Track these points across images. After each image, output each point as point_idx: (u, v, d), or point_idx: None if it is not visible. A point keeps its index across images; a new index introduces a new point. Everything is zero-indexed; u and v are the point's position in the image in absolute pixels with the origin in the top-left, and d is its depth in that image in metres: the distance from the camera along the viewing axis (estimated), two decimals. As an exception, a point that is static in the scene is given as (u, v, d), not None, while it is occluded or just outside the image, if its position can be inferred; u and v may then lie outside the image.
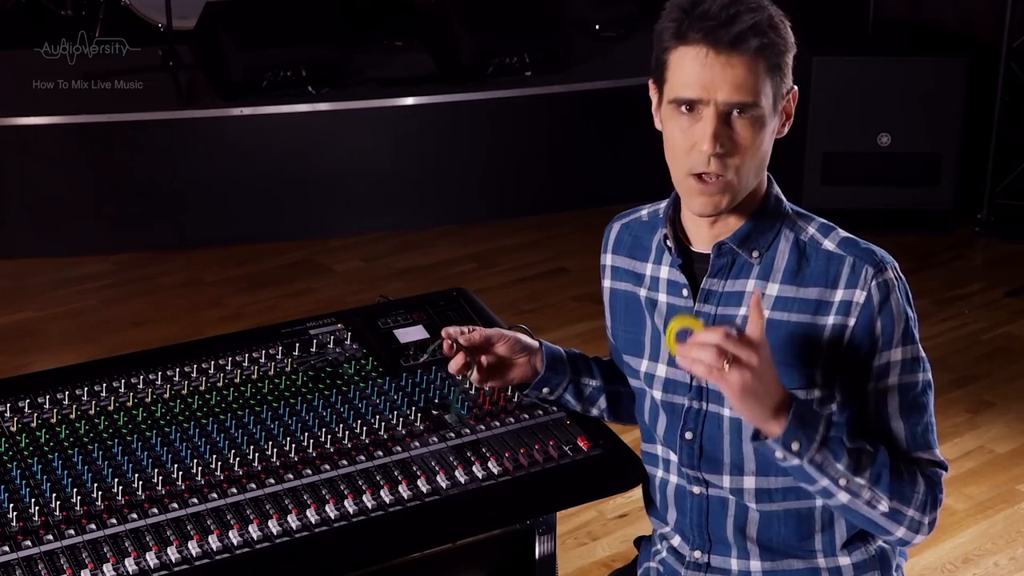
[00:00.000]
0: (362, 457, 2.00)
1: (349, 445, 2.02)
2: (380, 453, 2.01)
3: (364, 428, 2.06)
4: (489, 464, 2.00)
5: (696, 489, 1.94)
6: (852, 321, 1.78)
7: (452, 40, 5.56)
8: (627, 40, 6.41)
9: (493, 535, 2.08)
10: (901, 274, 1.83)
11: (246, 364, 2.22)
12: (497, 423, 2.10)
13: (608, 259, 2.05)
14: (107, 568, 1.76)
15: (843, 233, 1.85)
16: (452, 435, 2.06)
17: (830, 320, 1.79)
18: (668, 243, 1.91)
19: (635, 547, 2.18)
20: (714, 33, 1.70)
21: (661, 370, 1.94)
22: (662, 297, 1.93)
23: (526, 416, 2.11)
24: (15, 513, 1.84)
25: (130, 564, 1.77)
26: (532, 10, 5.80)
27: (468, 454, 2.02)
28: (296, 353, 2.25)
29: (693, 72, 1.73)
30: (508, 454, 2.02)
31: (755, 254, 1.84)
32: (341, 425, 2.07)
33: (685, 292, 1.89)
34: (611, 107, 5.70)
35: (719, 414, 1.88)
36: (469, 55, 5.54)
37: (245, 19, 5.40)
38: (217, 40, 5.29)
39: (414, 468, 1.99)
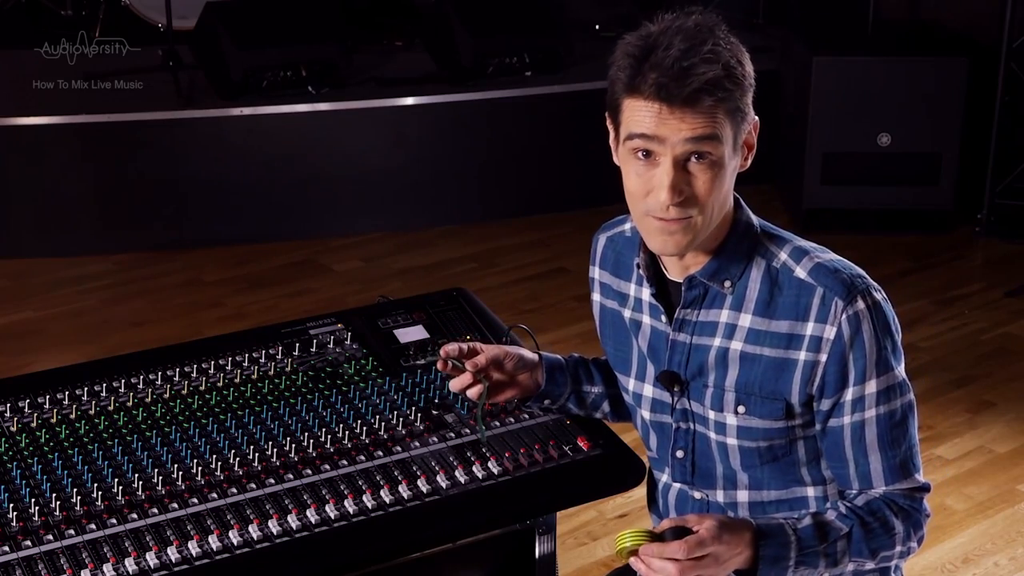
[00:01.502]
0: (362, 457, 2.00)
1: (349, 445, 2.02)
2: (380, 453, 2.01)
3: (364, 428, 2.06)
4: (489, 464, 2.00)
5: (697, 494, 1.95)
6: (824, 357, 1.76)
7: (452, 40, 5.56)
8: (627, 40, 6.41)
9: (493, 535, 2.08)
10: (876, 296, 1.77)
11: (246, 364, 2.22)
12: (497, 423, 2.10)
13: (596, 273, 2.05)
14: (107, 568, 1.76)
15: (818, 258, 1.79)
16: (452, 435, 2.06)
17: (801, 356, 1.77)
18: (641, 271, 1.90)
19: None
20: (666, 89, 1.66)
21: (648, 390, 1.94)
22: (646, 320, 1.93)
23: (526, 416, 2.11)
24: (15, 513, 1.84)
25: (130, 564, 1.77)
26: (532, 10, 5.80)
27: (468, 454, 2.02)
28: (296, 353, 2.25)
29: (647, 124, 1.69)
30: (508, 454, 2.02)
31: (727, 284, 1.82)
32: (341, 425, 2.07)
33: (663, 319, 1.88)
34: (611, 107, 5.69)
35: (706, 435, 1.88)
36: (469, 55, 5.54)
37: (245, 19, 5.40)
38: (217, 40, 5.29)
39: (414, 468, 1.99)
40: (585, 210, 5.66)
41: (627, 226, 2.01)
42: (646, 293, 1.91)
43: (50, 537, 1.81)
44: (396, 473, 1.97)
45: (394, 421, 2.08)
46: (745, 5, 6.59)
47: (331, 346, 2.28)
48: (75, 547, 1.80)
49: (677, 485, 1.98)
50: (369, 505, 1.91)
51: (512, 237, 5.45)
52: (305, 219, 5.43)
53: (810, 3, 6.39)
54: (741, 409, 1.82)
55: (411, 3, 6.42)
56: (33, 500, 1.87)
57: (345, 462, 1.99)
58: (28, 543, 1.80)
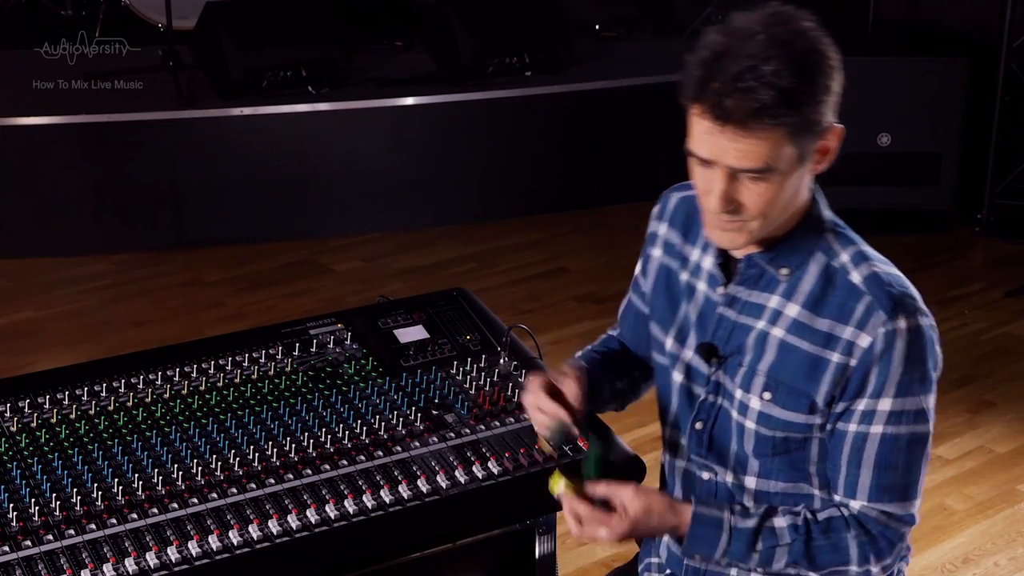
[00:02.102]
0: (362, 457, 2.00)
1: (349, 445, 2.02)
2: (380, 453, 2.01)
3: (364, 428, 2.06)
4: (489, 464, 2.00)
5: (705, 475, 1.94)
6: (853, 362, 1.76)
7: (452, 40, 5.56)
8: (627, 40, 6.41)
9: (493, 535, 2.08)
10: (921, 321, 1.76)
11: (246, 364, 2.22)
12: (497, 423, 2.10)
13: (662, 229, 2.00)
14: (107, 568, 1.76)
15: (876, 267, 1.79)
16: (452, 435, 2.06)
17: (835, 357, 1.77)
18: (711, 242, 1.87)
19: (636, 542, 2.17)
20: (721, 106, 1.63)
21: (687, 355, 1.92)
22: (701, 286, 1.91)
23: (526, 416, 2.11)
24: (15, 513, 1.84)
25: (130, 564, 1.77)
26: (532, 10, 5.80)
27: (468, 454, 2.02)
28: (296, 353, 2.25)
29: (702, 138, 1.69)
30: (508, 454, 2.02)
31: (784, 271, 1.82)
32: (341, 425, 2.07)
33: (720, 290, 1.87)
34: (611, 107, 5.70)
35: (730, 413, 1.88)
36: (469, 55, 5.54)
37: (245, 19, 5.40)
38: (217, 40, 5.29)
39: (414, 468, 1.99)
40: (585, 210, 5.67)
41: None
42: (708, 261, 1.90)
43: (50, 537, 1.81)
44: (396, 473, 1.97)
45: (394, 421, 2.08)
46: (745, 5, 6.59)
47: (331, 346, 2.28)
48: (75, 547, 1.80)
49: (683, 464, 1.96)
50: (369, 505, 1.91)
51: (512, 237, 5.45)
52: (305, 219, 5.42)
53: (810, 3, 6.38)
54: (767, 395, 1.82)
55: (411, 3, 6.41)
56: (33, 500, 1.87)
57: (345, 462, 1.99)
58: (28, 543, 1.80)
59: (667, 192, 2.03)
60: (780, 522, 1.82)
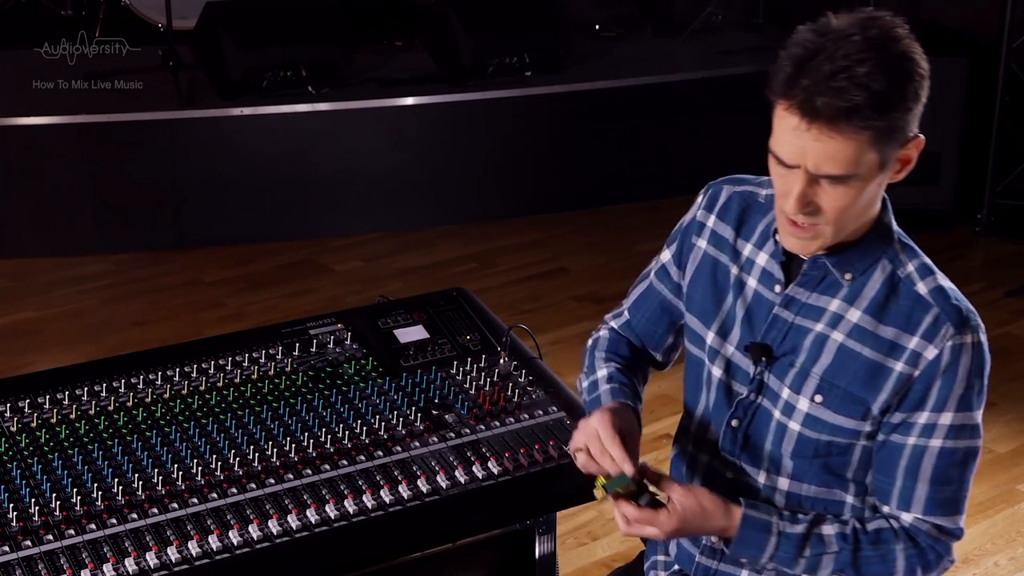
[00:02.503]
0: (362, 457, 2.00)
1: (349, 445, 2.02)
2: (380, 453, 2.01)
3: (364, 428, 2.06)
4: (489, 464, 2.00)
5: (728, 474, 1.93)
6: (916, 373, 1.76)
7: (452, 40, 5.56)
8: (627, 40, 6.41)
9: (493, 535, 2.08)
10: (982, 338, 1.77)
11: (246, 364, 2.22)
12: (497, 423, 2.10)
13: (711, 221, 1.96)
14: (107, 568, 1.76)
15: (941, 280, 1.80)
16: (452, 435, 2.06)
17: (898, 366, 1.77)
18: (777, 236, 1.85)
19: (642, 541, 2.17)
20: (811, 104, 1.62)
21: (728, 350, 1.90)
22: (751, 282, 1.89)
23: (526, 416, 2.11)
24: (15, 513, 1.84)
25: (130, 564, 1.77)
26: (532, 10, 5.80)
27: (468, 454, 2.02)
28: (296, 353, 2.25)
29: (786, 137, 1.67)
30: (508, 454, 2.02)
31: (848, 276, 1.81)
32: (341, 425, 2.07)
33: (778, 288, 1.86)
34: (611, 107, 5.70)
35: (771, 413, 1.86)
36: (469, 55, 5.54)
37: (245, 19, 5.40)
38: (217, 40, 5.29)
39: (414, 468, 1.99)
40: (585, 210, 5.67)
41: (762, 192, 1.94)
42: (762, 258, 1.88)
43: (50, 537, 1.81)
44: (396, 473, 1.97)
45: (394, 421, 2.08)
46: (745, 5, 6.60)
47: (331, 346, 2.28)
48: (75, 547, 1.80)
49: (705, 459, 1.95)
50: (369, 505, 1.91)
51: (512, 237, 5.45)
52: (305, 219, 5.42)
53: (810, 3, 6.39)
54: (818, 398, 1.81)
55: (411, 3, 6.42)
56: (33, 500, 1.87)
57: (345, 462, 1.99)
58: (28, 543, 1.80)
59: (716, 184, 2.00)
60: (828, 530, 1.81)
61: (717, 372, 1.92)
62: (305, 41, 5.46)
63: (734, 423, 1.90)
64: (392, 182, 5.50)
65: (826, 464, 1.84)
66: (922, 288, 1.79)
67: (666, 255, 2.04)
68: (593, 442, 1.83)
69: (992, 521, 3.46)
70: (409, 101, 5.44)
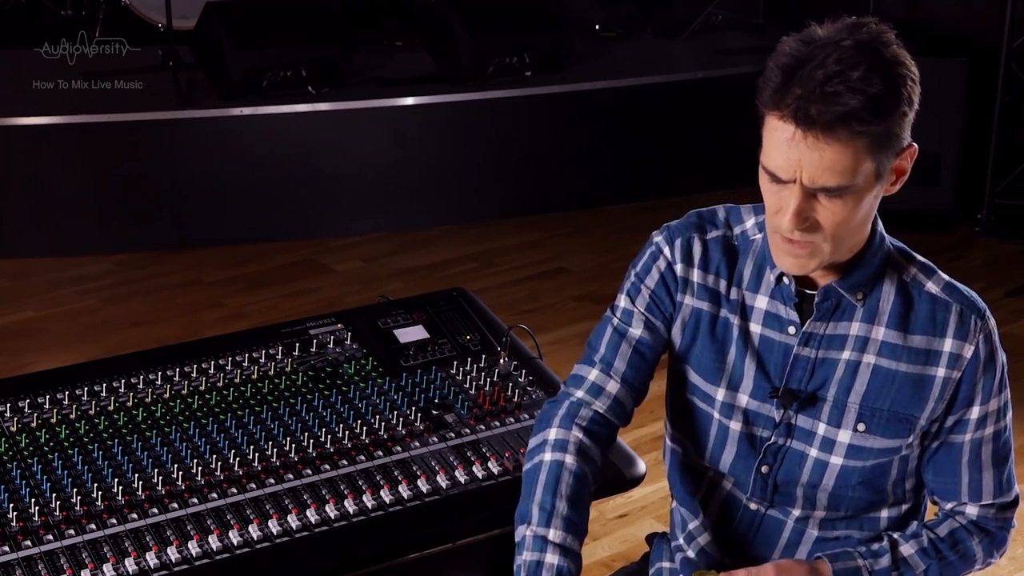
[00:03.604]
0: (362, 457, 2.00)
1: (349, 445, 2.02)
2: (380, 453, 2.01)
3: (364, 428, 2.06)
4: (489, 464, 2.00)
5: (753, 505, 1.89)
6: (958, 374, 1.75)
7: (452, 40, 5.56)
8: (627, 40, 6.41)
9: (493, 535, 2.08)
10: (992, 318, 1.81)
11: (246, 364, 2.22)
12: (497, 423, 2.10)
13: (696, 275, 1.86)
14: (107, 568, 1.76)
15: (944, 276, 1.80)
16: (452, 435, 2.06)
17: (939, 372, 1.75)
18: (786, 279, 1.78)
19: (647, 543, 2.14)
20: (805, 112, 1.57)
21: (743, 400, 1.84)
22: (755, 328, 1.82)
23: (526, 416, 2.11)
24: (15, 513, 1.84)
25: (130, 564, 1.77)
26: (532, 10, 5.80)
27: (468, 454, 2.02)
28: (296, 353, 2.25)
29: (780, 149, 1.61)
30: (508, 454, 2.02)
31: (859, 295, 1.77)
32: (341, 425, 2.07)
33: (792, 330, 1.79)
34: (611, 107, 5.70)
35: (804, 452, 1.82)
36: (469, 55, 5.54)
37: (245, 19, 5.40)
38: (217, 40, 5.29)
39: (414, 468, 1.99)
40: (585, 210, 5.67)
41: (735, 231, 1.86)
42: (763, 301, 1.81)
43: (50, 537, 1.81)
44: (396, 473, 1.97)
45: (394, 421, 2.08)
46: (745, 5, 6.59)
47: (331, 346, 2.28)
48: (75, 547, 1.80)
49: (727, 488, 1.91)
50: (369, 505, 1.91)
51: (512, 237, 5.45)
52: (305, 219, 5.43)
53: (810, 3, 6.38)
54: (861, 427, 1.77)
55: (411, 3, 6.41)
56: (33, 500, 1.87)
57: (345, 462, 1.99)
58: (28, 543, 1.80)
59: (676, 235, 1.87)
60: (908, 550, 1.81)
61: (736, 426, 1.85)
62: (305, 41, 5.46)
63: (764, 469, 1.85)
64: (392, 182, 5.50)
65: (869, 485, 1.82)
66: (933, 287, 1.78)
67: (641, 304, 1.88)
68: None
69: (992, 521, 3.46)
70: (409, 101, 5.44)
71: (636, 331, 1.88)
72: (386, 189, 5.49)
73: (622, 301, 1.91)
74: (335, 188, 5.42)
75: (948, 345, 1.75)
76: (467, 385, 2.19)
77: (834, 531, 1.87)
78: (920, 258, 1.82)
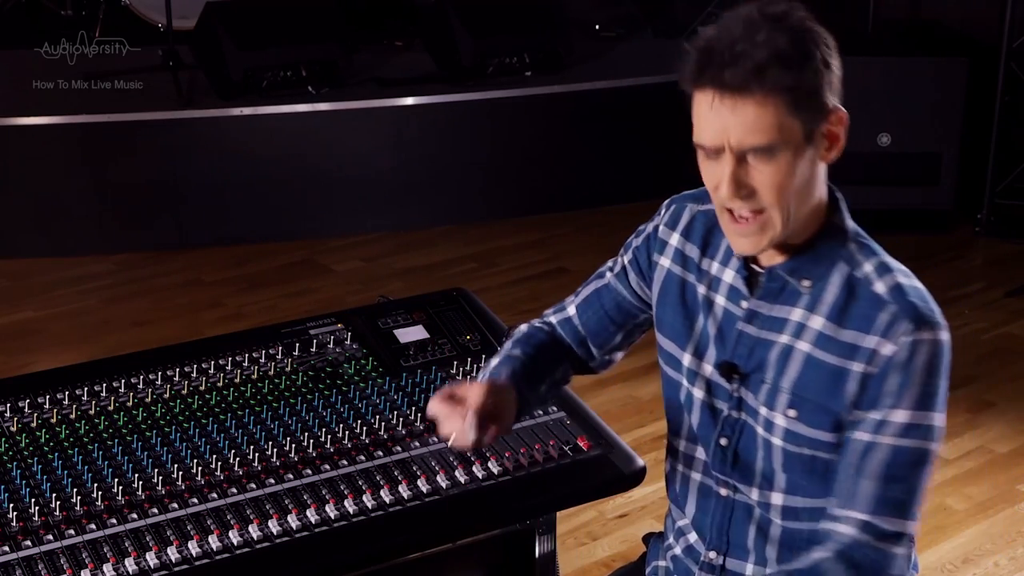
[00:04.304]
0: (362, 457, 2.00)
1: (349, 445, 2.02)
2: (380, 453, 2.01)
3: (364, 428, 2.06)
4: (489, 464, 2.00)
5: (723, 491, 1.91)
6: (873, 370, 1.73)
7: (452, 40, 5.57)
8: (627, 40, 6.41)
9: (493, 535, 2.08)
10: (942, 337, 1.73)
11: (246, 364, 2.22)
12: (497, 423, 2.09)
13: (675, 240, 1.94)
14: (107, 568, 1.76)
15: (900, 278, 1.76)
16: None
17: (857, 367, 1.74)
18: (735, 254, 1.83)
19: (643, 543, 2.16)
20: (722, 75, 1.64)
21: (707, 370, 1.88)
22: (720, 300, 1.87)
23: (526, 416, 2.11)
24: (15, 513, 1.84)
25: (130, 564, 1.77)
26: (532, 10, 5.80)
27: (468, 454, 2.02)
28: (296, 353, 2.25)
29: (706, 119, 1.68)
30: (508, 454, 2.02)
31: (806, 283, 1.78)
32: (341, 425, 2.07)
33: (744, 304, 1.84)
34: (611, 107, 5.70)
35: (755, 429, 1.84)
36: (469, 55, 5.54)
37: (245, 19, 5.40)
38: (217, 40, 5.29)
39: (414, 468, 1.99)
40: (585, 210, 5.67)
41: None
42: (729, 275, 1.86)
43: (50, 537, 1.81)
44: (396, 473, 1.97)
45: (394, 421, 2.08)
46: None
47: (331, 346, 2.28)
48: (75, 547, 1.80)
49: (698, 477, 1.94)
50: (369, 505, 1.91)
51: (512, 237, 5.45)
52: (305, 219, 5.43)
53: (810, 3, 6.39)
54: (792, 412, 1.78)
55: (411, 3, 6.42)
56: (33, 500, 1.87)
57: (345, 462, 1.99)
58: (28, 543, 1.80)
59: (676, 202, 1.97)
60: None
61: (699, 393, 1.90)
62: (305, 41, 5.46)
63: (723, 442, 1.88)
64: (392, 182, 5.50)
65: (817, 477, 1.81)
66: (880, 287, 1.75)
67: (625, 259, 2.03)
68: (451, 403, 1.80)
69: (992, 521, 3.46)
70: (409, 101, 5.44)
71: (611, 276, 2.05)
72: (386, 189, 5.50)
73: (620, 253, 2.06)
74: (335, 188, 5.43)
75: (871, 342, 1.73)
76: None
77: (797, 521, 1.85)
78: (883, 257, 1.80)
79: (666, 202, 1.99)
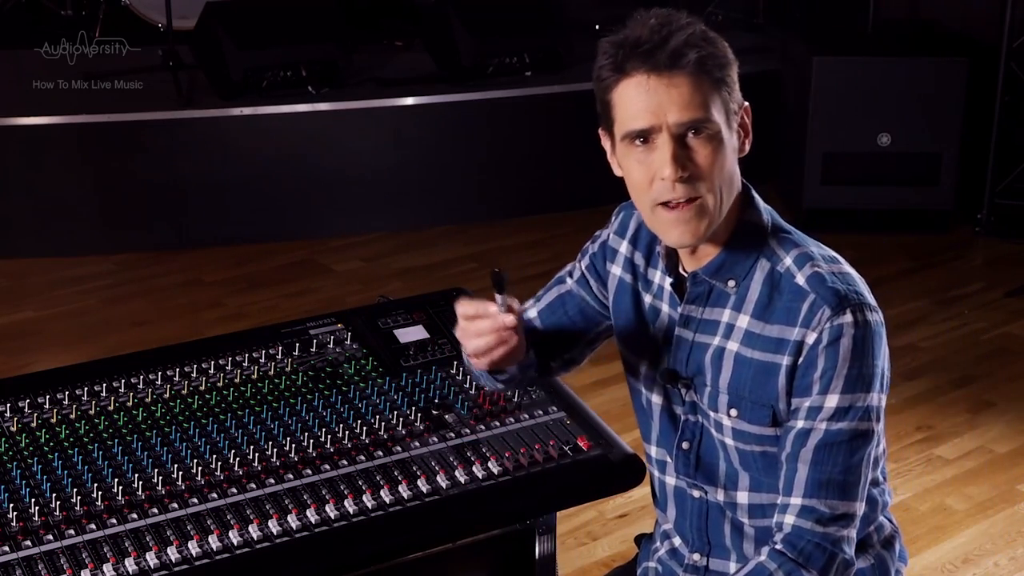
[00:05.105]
0: (362, 457, 2.00)
1: (349, 445, 2.02)
2: (380, 453, 2.01)
3: (364, 428, 2.06)
4: (489, 464, 2.00)
5: (696, 493, 1.93)
6: (800, 360, 1.73)
7: (452, 40, 5.56)
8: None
9: (493, 535, 2.08)
10: (869, 316, 1.72)
11: (246, 364, 2.22)
12: (497, 423, 2.10)
13: (623, 248, 1.98)
14: (107, 568, 1.76)
15: (819, 267, 1.76)
16: (452, 435, 2.06)
17: (784, 360, 1.74)
18: (662, 260, 1.88)
19: (636, 545, 2.18)
20: (652, 57, 1.69)
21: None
22: (664, 308, 1.90)
23: (526, 416, 2.11)
24: (15, 513, 1.84)
25: (130, 564, 1.77)
26: (532, 10, 5.80)
27: (468, 454, 2.02)
28: (296, 353, 2.25)
29: (639, 101, 1.71)
30: (508, 454, 2.02)
31: (731, 284, 1.80)
32: (341, 425, 2.07)
33: (679, 309, 1.86)
34: (611, 107, 5.69)
35: (709, 430, 1.87)
36: (469, 55, 5.54)
37: (245, 19, 5.40)
38: (217, 40, 5.29)
39: (414, 468, 1.99)
40: (585, 210, 5.66)
41: None
42: (668, 282, 1.88)
43: (50, 537, 1.81)
44: (396, 473, 1.97)
45: (394, 421, 2.08)
46: (745, 5, 6.59)
47: (331, 346, 2.28)
48: (75, 547, 1.80)
49: (672, 481, 1.96)
50: (369, 505, 1.91)
51: (512, 237, 5.45)
52: (305, 219, 5.43)
53: (810, 3, 6.39)
54: (733, 412, 1.81)
55: (411, 3, 6.42)
56: (33, 500, 1.87)
57: (345, 462, 1.99)
58: (28, 543, 1.80)
59: (624, 209, 2.01)
60: None
61: (657, 399, 1.92)
62: (305, 41, 5.46)
63: (684, 445, 1.90)
64: (392, 182, 5.50)
65: (775, 472, 1.81)
66: (800, 279, 1.75)
67: (582, 265, 2.06)
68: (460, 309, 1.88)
69: (992, 521, 3.46)
70: (409, 101, 5.44)
71: (571, 282, 2.08)
72: (386, 189, 5.50)
73: (577, 258, 2.09)
74: (335, 188, 5.43)
75: (795, 334, 1.74)
76: (467, 385, 2.19)
77: (764, 519, 1.85)
78: (803, 247, 1.79)
79: (616, 209, 2.03)
